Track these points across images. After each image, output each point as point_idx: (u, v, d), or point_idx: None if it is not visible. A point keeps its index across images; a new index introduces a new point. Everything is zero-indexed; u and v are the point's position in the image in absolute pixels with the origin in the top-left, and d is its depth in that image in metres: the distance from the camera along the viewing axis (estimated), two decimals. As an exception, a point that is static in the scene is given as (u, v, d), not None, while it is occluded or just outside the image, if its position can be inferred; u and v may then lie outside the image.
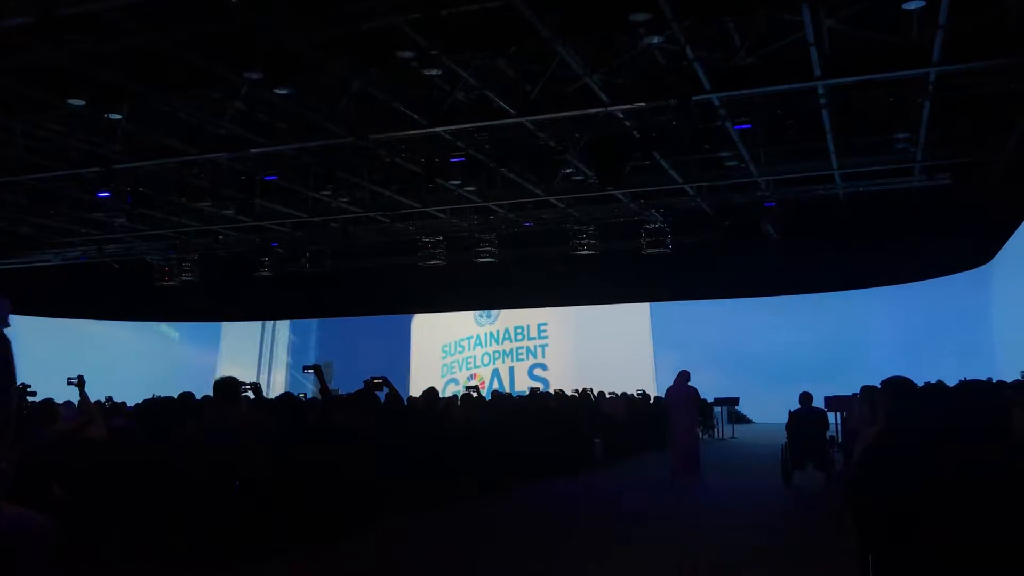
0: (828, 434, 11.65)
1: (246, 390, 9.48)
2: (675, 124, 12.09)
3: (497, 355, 28.84)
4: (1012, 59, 9.92)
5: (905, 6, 9.05)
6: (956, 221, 17.92)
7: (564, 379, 22.97)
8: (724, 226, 18.66)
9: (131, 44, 9.44)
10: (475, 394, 13.20)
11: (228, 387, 7.48)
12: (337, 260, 21.48)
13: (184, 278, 21.56)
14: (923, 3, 8.92)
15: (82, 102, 11.09)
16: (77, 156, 13.38)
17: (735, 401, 23.43)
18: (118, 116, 11.96)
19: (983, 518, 3.14)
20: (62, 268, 22.29)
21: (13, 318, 3.60)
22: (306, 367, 9.23)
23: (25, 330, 26.57)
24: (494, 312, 28.83)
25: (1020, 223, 17.31)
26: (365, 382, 10.24)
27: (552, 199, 16.87)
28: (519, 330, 28.72)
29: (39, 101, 11.22)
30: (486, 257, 19.64)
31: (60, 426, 7.48)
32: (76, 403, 8.98)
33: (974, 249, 20.28)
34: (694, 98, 10.94)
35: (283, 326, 31.14)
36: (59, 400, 9.64)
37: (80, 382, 7.65)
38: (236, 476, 6.92)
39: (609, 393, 19.81)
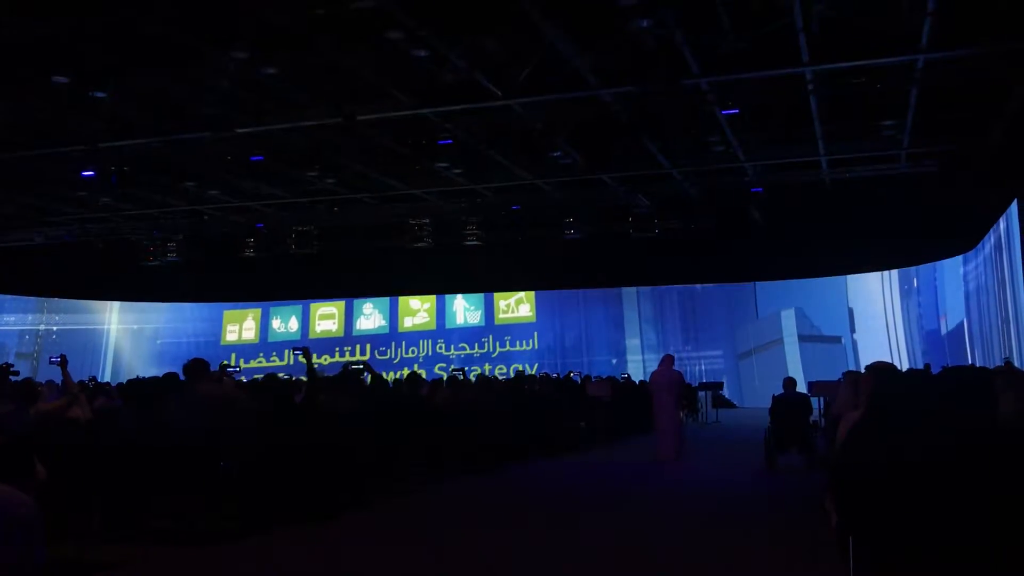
0: (811, 419, 11.71)
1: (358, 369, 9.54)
2: (663, 108, 12.08)
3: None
4: (1000, 46, 9.96)
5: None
6: (941, 208, 18.00)
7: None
8: (710, 211, 18.70)
9: (115, 21, 9.33)
10: (460, 377, 13.20)
11: (195, 369, 7.52)
12: (323, 241, 21.36)
13: (169, 258, 21.41)
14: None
15: (65, 79, 10.95)
16: (61, 134, 13.23)
17: (719, 386, 23.60)
18: (102, 94, 11.81)
19: (964, 499, 3.17)
20: (45, 247, 22.08)
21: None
22: (295, 348, 9.18)
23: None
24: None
25: (1004, 211, 17.40)
26: (344, 366, 10.22)
27: (540, 182, 16.83)
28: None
29: (22, 78, 11.07)
30: (473, 240, 19.61)
31: (43, 406, 7.44)
32: (59, 383, 8.92)
33: (959, 236, 20.37)
34: (683, 82, 10.92)
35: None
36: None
37: (63, 362, 7.59)
38: (220, 456, 6.91)
39: (595, 377, 19.87)
